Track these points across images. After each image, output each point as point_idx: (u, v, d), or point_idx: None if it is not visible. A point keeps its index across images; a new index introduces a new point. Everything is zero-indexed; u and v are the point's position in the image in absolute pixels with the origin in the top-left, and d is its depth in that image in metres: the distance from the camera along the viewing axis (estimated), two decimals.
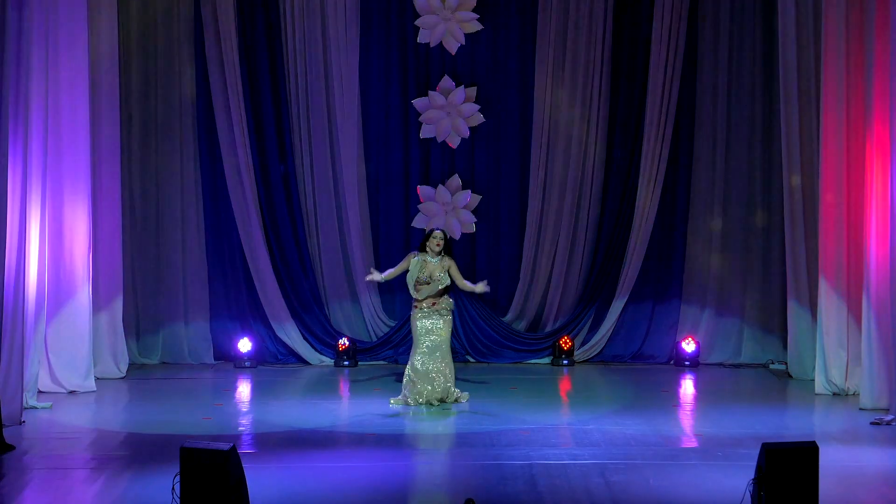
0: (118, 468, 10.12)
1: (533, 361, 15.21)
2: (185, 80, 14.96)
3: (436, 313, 12.58)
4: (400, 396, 12.58)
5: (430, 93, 15.13)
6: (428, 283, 12.56)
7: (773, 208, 14.97)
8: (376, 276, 12.95)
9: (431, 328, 12.56)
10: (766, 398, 13.28)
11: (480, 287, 12.81)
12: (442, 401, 12.48)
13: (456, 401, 12.56)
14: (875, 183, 12.28)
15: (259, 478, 9.31)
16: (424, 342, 12.53)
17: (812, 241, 13.84)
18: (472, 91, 15.17)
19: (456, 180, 15.25)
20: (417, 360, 12.51)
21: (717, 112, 15.04)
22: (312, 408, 12.65)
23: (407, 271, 12.69)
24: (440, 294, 12.60)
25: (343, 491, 9.44)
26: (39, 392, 12.75)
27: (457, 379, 12.81)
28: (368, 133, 15.24)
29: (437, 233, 12.72)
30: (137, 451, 10.69)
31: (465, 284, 12.81)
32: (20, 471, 10.07)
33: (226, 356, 15.13)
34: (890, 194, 12.08)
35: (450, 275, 12.64)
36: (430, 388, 12.46)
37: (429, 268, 12.58)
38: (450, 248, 12.82)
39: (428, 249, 12.64)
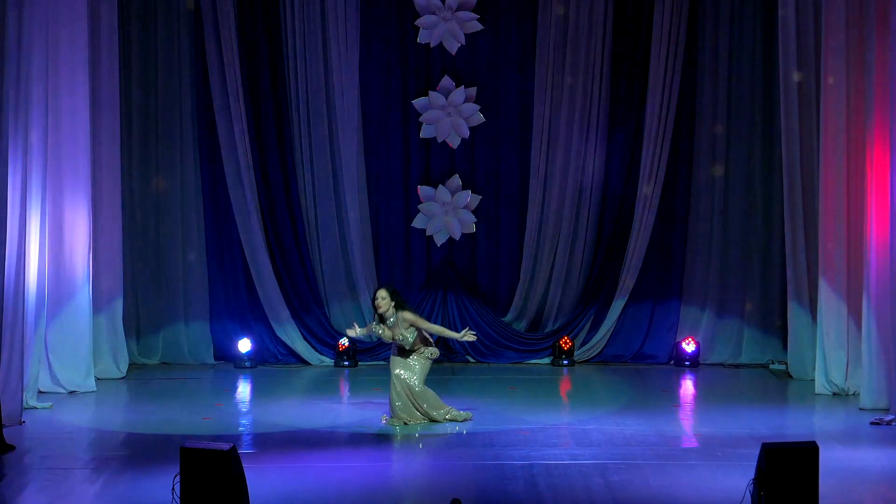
0: (118, 468, 10.12)
1: (533, 361, 15.22)
2: (185, 81, 14.96)
3: (412, 352, 11.82)
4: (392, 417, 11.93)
5: (430, 93, 15.13)
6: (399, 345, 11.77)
7: (773, 208, 14.97)
8: (357, 331, 12.14)
9: (403, 366, 11.79)
10: (766, 398, 13.29)
11: (466, 335, 11.94)
12: (434, 420, 11.84)
13: (453, 419, 11.85)
14: (875, 183, 12.28)
15: (259, 478, 9.32)
16: (396, 383, 11.75)
17: (812, 241, 13.85)
18: (472, 91, 15.17)
19: (456, 180, 15.26)
20: (396, 403, 11.79)
21: (717, 112, 15.04)
22: (312, 408, 12.65)
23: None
24: (424, 344, 11.85)
25: (343, 491, 9.45)
26: (39, 392, 12.75)
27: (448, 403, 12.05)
28: (368, 133, 15.24)
29: (379, 293, 11.72)
30: (137, 451, 10.70)
31: (444, 331, 12.04)
32: (20, 471, 10.08)
33: (226, 356, 15.13)
34: (890, 195, 12.08)
35: (417, 328, 11.74)
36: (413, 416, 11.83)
37: (389, 332, 11.74)
38: (400, 300, 11.78)
39: (375, 315, 11.81)
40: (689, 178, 15.15)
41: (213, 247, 15.17)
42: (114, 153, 14.15)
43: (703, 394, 13.80)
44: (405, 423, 11.72)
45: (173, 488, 8.29)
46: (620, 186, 15.14)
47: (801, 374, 14.11)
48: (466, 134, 15.20)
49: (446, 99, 15.10)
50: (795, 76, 13.81)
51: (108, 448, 10.92)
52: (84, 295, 13.41)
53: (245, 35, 14.93)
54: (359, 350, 15.00)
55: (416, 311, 12.02)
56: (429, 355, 11.94)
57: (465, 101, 15.13)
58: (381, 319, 11.83)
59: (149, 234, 15.08)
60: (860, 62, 12.79)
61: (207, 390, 13.76)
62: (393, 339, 11.81)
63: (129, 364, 14.54)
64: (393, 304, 11.73)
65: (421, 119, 15.19)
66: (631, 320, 15.28)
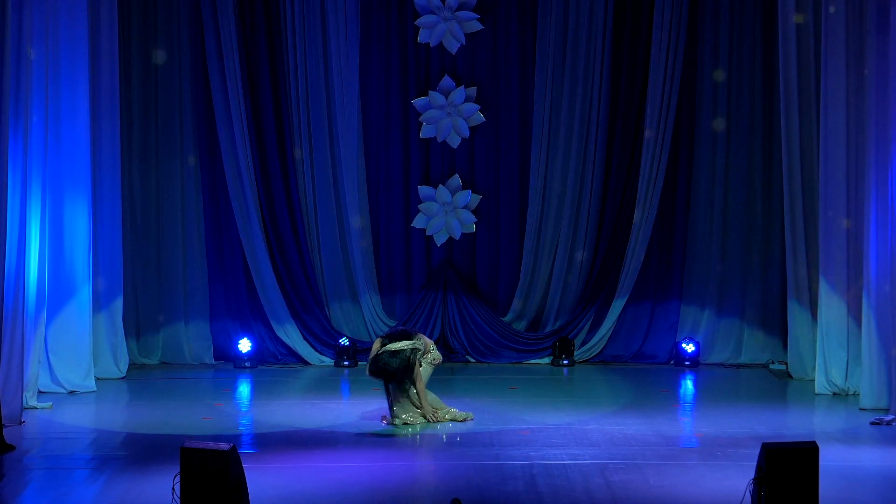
0: (118, 468, 10.12)
1: (533, 361, 15.22)
2: (185, 80, 14.96)
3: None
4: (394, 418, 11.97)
5: (430, 93, 15.14)
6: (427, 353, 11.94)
7: (773, 208, 14.97)
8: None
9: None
10: (766, 398, 13.28)
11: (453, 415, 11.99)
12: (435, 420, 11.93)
13: (454, 419, 11.92)
14: (875, 183, 12.27)
15: (259, 478, 9.32)
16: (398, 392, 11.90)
17: (812, 241, 13.85)
18: (472, 91, 15.17)
19: (456, 180, 15.26)
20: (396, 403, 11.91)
21: (717, 112, 15.04)
22: (312, 408, 12.65)
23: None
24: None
25: (343, 491, 9.45)
26: (39, 392, 12.75)
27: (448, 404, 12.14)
28: (368, 133, 15.25)
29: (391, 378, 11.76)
30: (137, 451, 10.70)
31: (424, 398, 11.82)
32: (20, 471, 10.08)
33: (226, 356, 15.13)
34: (890, 194, 12.08)
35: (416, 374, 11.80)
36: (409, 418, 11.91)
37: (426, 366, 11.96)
38: (404, 366, 11.76)
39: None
40: (688, 177, 15.15)
41: (213, 247, 15.18)
42: (114, 153, 14.15)
43: (703, 394, 13.80)
44: (405, 423, 11.72)
45: (173, 488, 8.29)
46: (620, 186, 15.14)
47: (801, 374, 14.11)
48: (466, 134, 15.21)
49: (446, 99, 15.10)
50: (795, 75, 13.81)
51: (108, 448, 10.92)
52: (84, 295, 13.40)
53: (245, 35, 14.94)
54: (359, 350, 14.99)
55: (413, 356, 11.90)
56: (432, 361, 11.99)
57: (465, 101, 15.13)
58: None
59: (149, 234, 15.08)
60: (860, 60, 12.80)
61: (207, 390, 13.76)
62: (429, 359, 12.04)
63: (129, 364, 14.54)
64: (403, 373, 11.74)
65: (421, 119, 15.19)
66: (631, 320, 15.28)
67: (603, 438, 11.11)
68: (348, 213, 15.12)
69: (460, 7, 15.01)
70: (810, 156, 13.88)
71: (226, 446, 8.18)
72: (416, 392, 11.80)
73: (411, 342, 11.85)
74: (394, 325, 15.19)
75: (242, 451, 10.21)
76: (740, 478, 9.10)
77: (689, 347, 14.98)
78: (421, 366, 11.87)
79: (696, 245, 15.19)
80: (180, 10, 14.92)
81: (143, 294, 15.11)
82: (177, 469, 8.26)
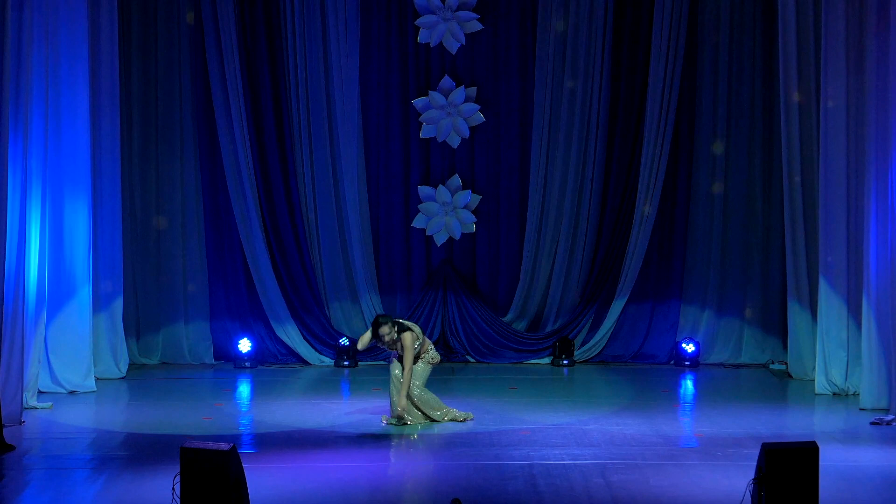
0: (118, 468, 10.12)
1: (533, 361, 15.22)
2: (185, 80, 14.97)
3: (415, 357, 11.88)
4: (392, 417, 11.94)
5: (430, 93, 15.14)
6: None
7: (773, 209, 14.98)
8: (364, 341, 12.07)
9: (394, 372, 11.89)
10: (766, 398, 13.29)
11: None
12: (434, 420, 11.89)
13: (453, 419, 11.90)
14: (875, 183, 12.27)
15: (259, 478, 9.32)
16: (396, 383, 11.80)
17: (812, 241, 13.85)
18: (472, 91, 15.17)
19: (456, 180, 15.26)
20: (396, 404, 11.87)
21: (717, 112, 15.05)
22: (312, 408, 12.65)
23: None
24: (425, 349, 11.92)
25: (343, 491, 9.45)
26: (39, 392, 12.75)
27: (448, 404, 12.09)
28: (368, 133, 15.26)
29: (382, 329, 11.65)
30: (137, 451, 10.70)
31: (406, 382, 11.72)
32: (20, 471, 10.08)
33: (226, 356, 15.14)
34: (890, 194, 12.09)
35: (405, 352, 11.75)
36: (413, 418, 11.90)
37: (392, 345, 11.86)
38: (400, 325, 11.75)
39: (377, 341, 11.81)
40: (688, 178, 15.15)
41: (213, 247, 15.18)
42: (114, 153, 14.16)
43: (703, 394, 13.80)
44: (405, 423, 11.72)
45: (173, 488, 8.29)
46: (620, 186, 15.15)
47: (801, 374, 14.12)
48: (466, 134, 15.21)
49: (446, 99, 15.10)
50: (795, 76, 13.81)
51: (108, 448, 10.92)
52: (84, 295, 13.41)
53: (245, 35, 14.95)
54: (359, 350, 14.96)
55: (413, 331, 11.88)
56: (430, 360, 11.97)
57: (465, 101, 15.13)
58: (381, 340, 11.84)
59: (149, 233, 15.09)
60: (860, 62, 12.80)
61: (207, 390, 13.76)
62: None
63: (129, 364, 14.55)
64: (395, 328, 11.72)
65: (421, 119, 15.19)
66: (631, 320, 15.29)
67: (603, 438, 11.11)
68: (348, 213, 15.12)
69: (460, 7, 15.02)
70: (810, 156, 13.88)
71: (226, 446, 8.18)
72: (402, 375, 11.69)
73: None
74: None
75: (242, 451, 10.22)
76: (740, 478, 9.10)
77: (689, 347, 14.99)
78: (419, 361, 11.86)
79: (696, 245, 15.20)
80: (180, 10, 14.92)
81: (143, 294, 15.12)
82: (177, 469, 8.26)
